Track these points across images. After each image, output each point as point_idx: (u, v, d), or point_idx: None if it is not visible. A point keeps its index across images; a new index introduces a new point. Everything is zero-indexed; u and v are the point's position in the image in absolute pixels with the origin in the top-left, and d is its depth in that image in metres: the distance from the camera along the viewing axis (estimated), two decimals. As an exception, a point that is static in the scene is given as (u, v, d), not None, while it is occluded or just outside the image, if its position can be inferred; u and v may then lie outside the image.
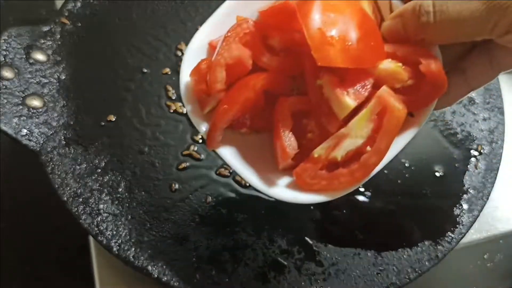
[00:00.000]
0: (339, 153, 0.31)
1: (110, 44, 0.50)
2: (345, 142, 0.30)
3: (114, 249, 0.40)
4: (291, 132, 0.31)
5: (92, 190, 0.42)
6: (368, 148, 0.31)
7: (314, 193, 0.32)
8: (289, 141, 0.31)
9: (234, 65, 0.31)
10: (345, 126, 0.30)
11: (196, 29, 0.53)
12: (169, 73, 0.50)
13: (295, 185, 0.32)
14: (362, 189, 0.46)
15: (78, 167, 0.43)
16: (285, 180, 0.33)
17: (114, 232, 0.40)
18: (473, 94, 0.53)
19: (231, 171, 0.45)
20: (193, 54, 0.33)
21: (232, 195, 0.44)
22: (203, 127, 0.32)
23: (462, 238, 0.44)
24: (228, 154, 0.33)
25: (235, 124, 0.33)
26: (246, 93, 0.31)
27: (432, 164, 0.48)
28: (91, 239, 0.48)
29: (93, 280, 0.46)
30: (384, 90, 0.30)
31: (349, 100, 0.29)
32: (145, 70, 0.49)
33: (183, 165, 0.45)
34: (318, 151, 0.31)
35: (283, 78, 0.32)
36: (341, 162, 0.31)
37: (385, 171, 0.47)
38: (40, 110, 0.44)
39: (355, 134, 0.30)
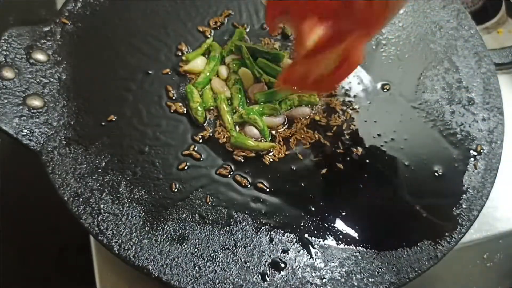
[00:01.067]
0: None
1: (110, 44, 0.50)
2: (315, 69, 0.39)
3: (115, 248, 0.40)
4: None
5: (92, 190, 0.42)
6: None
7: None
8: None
9: None
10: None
11: (196, 29, 0.53)
12: (170, 73, 0.50)
13: None
14: (361, 187, 0.46)
15: (78, 167, 0.43)
16: None
17: (115, 232, 0.40)
18: (472, 94, 0.53)
19: (231, 171, 0.45)
20: None
21: (232, 195, 0.44)
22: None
23: (461, 238, 0.45)
24: None
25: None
26: None
27: (431, 164, 0.48)
28: (91, 238, 0.48)
29: (93, 279, 0.46)
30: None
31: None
32: (145, 70, 0.49)
33: (183, 165, 0.45)
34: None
35: None
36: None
37: (385, 170, 0.48)
38: (41, 110, 0.44)
39: (323, 67, 0.38)
